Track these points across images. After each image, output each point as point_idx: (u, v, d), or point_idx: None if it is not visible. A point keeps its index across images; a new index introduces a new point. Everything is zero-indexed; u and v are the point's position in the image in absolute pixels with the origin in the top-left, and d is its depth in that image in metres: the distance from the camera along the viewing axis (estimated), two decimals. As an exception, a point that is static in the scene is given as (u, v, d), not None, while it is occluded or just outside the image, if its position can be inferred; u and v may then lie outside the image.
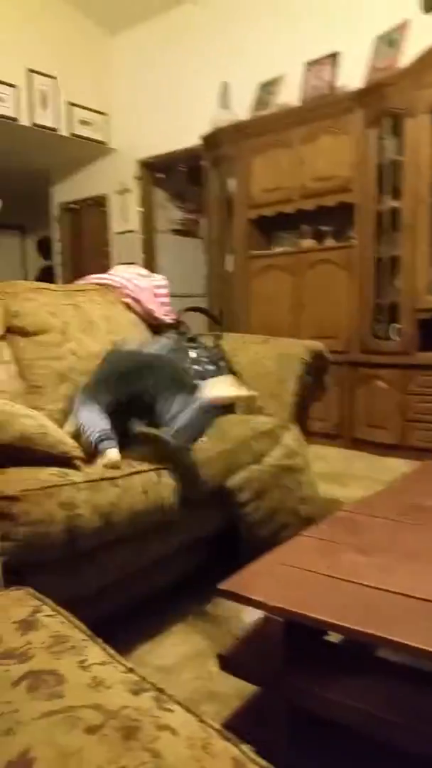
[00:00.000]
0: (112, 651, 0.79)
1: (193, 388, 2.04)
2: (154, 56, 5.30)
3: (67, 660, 0.74)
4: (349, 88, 3.95)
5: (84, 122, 5.39)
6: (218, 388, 2.08)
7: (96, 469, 1.59)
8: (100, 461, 1.65)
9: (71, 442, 1.61)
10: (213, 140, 4.48)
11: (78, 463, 1.58)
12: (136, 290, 2.71)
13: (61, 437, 1.56)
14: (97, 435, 1.73)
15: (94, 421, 1.79)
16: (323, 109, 3.91)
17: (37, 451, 1.47)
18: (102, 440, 1.71)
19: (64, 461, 1.54)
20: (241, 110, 4.52)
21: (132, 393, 1.94)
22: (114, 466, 1.63)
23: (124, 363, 2.08)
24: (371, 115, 3.68)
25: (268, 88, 4.47)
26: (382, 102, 3.60)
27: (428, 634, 0.91)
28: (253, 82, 4.55)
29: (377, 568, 1.14)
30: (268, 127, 4.18)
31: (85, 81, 5.35)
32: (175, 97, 5.17)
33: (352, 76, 3.99)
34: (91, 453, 1.69)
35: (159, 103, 5.30)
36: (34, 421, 1.53)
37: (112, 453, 1.68)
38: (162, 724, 0.63)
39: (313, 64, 4.18)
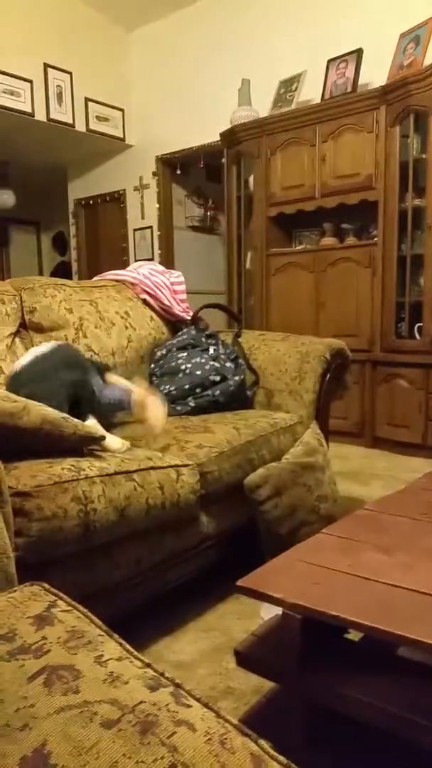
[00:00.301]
0: (128, 646, 0.78)
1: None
2: (171, 52, 5.29)
3: (84, 655, 0.73)
4: (372, 85, 3.91)
5: (101, 118, 5.40)
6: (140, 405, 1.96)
7: (112, 460, 1.58)
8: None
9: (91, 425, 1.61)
10: (233, 137, 4.46)
11: (103, 444, 1.60)
12: (153, 287, 2.70)
13: (80, 421, 1.57)
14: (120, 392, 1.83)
15: None
16: (346, 106, 3.88)
17: (63, 435, 1.47)
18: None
19: (89, 441, 1.55)
20: (262, 107, 4.49)
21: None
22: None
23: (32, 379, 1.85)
24: (395, 113, 3.64)
25: (289, 85, 4.44)
26: (405, 100, 3.55)
27: (452, 635, 0.89)
28: (274, 79, 4.52)
29: (398, 567, 1.12)
30: (290, 124, 4.15)
31: (101, 77, 5.36)
32: (194, 94, 5.17)
33: (375, 74, 3.95)
34: None
35: (177, 99, 5.30)
36: (51, 410, 1.53)
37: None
38: (179, 719, 0.62)
39: (335, 61, 4.14)
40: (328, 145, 3.98)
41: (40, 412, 1.44)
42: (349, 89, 3.96)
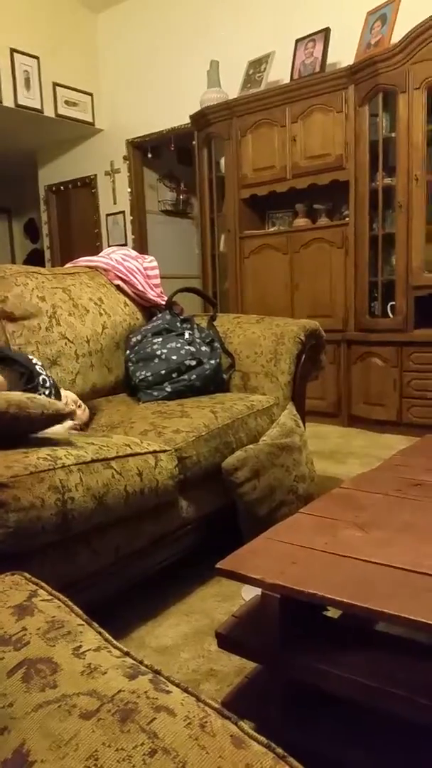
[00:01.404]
0: (107, 635, 0.77)
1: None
2: (139, 34, 5.20)
3: (62, 647, 0.73)
4: (340, 65, 3.89)
5: (70, 102, 5.30)
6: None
7: (90, 447, 1.56)
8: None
9: (59, 401, 1.58)
10: (202, 119, 4.42)
11: (74, 417, 1.58)
12: (126, 272, 2.68)
13: (49, 399, 1.54)
14: None
15: None
16: (314, 86, 3.85)
17: (30, 416, 1.44)
18: None
19: (58, 419, 1.53)
20: (232, 89, 4.44)
21: None
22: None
23: None
24: (363, 92, 3.62)
25: (258, 65, 4.40)
26: (374, 78, 3.54)
27: (426, 607, 0.91)
28: (242, 60, 4.47)
29: (375, 544, 1.14)
30: (259, 106, 4.12)
31: (69, 60, 5.25)
32: (164, 76, 5.09)
33: (343, 53, 3.93)
34: None
35: (147, 82, 5.22)
36: (18, 394, 1.50)
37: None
38: (159, 705, 0.62)
39: (303, 40, 4.11)
40: (298, 126, 3.96)
41: (2, 396, 1.42)
42: (318, 69, 3.94)
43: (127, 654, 0.72)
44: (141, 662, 0.71)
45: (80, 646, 0.72)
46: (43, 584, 0.91)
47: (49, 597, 0.87)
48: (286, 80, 4.14)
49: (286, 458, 2.10)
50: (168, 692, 0.64)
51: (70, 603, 0.86)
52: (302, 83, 3.91)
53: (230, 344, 2.52)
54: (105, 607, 1.53)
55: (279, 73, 4.27)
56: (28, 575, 0.94)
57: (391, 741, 1.06)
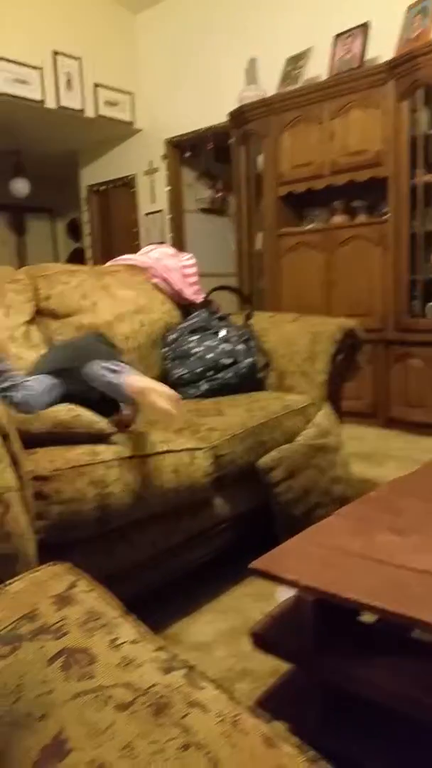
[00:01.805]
0: (144, 628, 0.79)
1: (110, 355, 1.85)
2: (178, 34, 5.22)
3: (99, 638, 0.74)
4: (379, 60, 3.83)
5: (110, 103, 5.35)
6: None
7: (127, 444, 1.58)
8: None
9: (103, 419, 1.60)
10: (240, 117, 4.41)
11: (113, 438, 1.59)
12: (164, 270, 2.70)
13: (93, 416, 1.57)
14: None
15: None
16: (353, 82, 3.81)
17: (75, 433, 1.49)
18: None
19: (101, 438, 1.56)
20: (269, 86, 4.43)
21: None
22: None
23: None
24: (403, 88, 3.57)
25: (295, 62, 4.37)
26: (414, 73, 3.48)
27: (465, 614, 0.89)
28: (281, 57, 4.45)
29: (412, 549, 1.12)
30: (297, 102, 4.09)
31: (110, 61, 5.31)
32: (202, 75, 5.10)
33: (382, 48, 3.87)
34: None
35: (185, 80, 5.24)
36: (63, 407, 1.54)
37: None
38: (192, 701, 0.63)
39: (342, 36, 4.06)
40: (336, 122, 3.92)
41: (50, 415, 1.46)
42: (356, 65, 3.89)
43: (162, 648, 0.73)
44: (176, 657, 0.72)
45: (117, 638, 0.74)
46: (83, 574, 0.93)
47: (89, 588, 0.89)
48: (324, 76, 4.10)
49: (322, 459, 2.08)
50: (201, 688, 0.65)
51: (108, 595, 0.88)
52: (340, 79, 3.87)
53: (266, 343, 2.52)
54: (141, 601, 1.55)
55: (317, 69, 4.23)
56: (69, 565, 0.96)
57: (424, 749, 1.05)
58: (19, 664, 0.70)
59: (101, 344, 1.97)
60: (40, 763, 0.58)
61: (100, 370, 1.63)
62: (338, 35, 4.07)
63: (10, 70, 4.62)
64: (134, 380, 1.58)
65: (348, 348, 2.42)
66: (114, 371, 1.63)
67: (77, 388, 1.68)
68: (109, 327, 2.34)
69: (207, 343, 2.39)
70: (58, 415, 1.49)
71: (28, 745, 0.60)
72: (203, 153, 5.64)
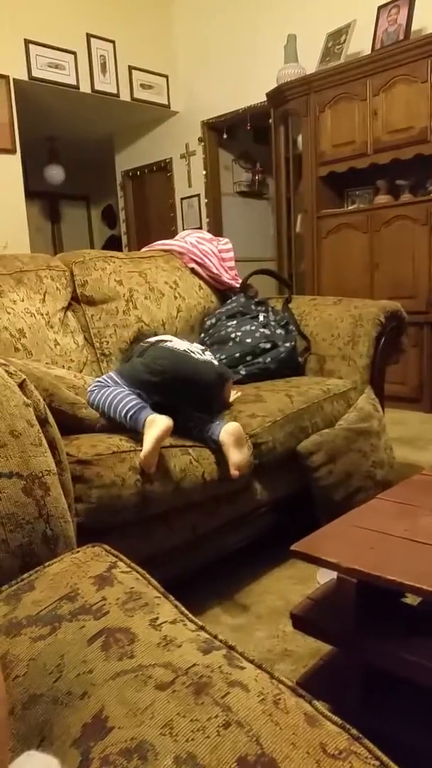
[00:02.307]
0: (183, 609, 0.79)
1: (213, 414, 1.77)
2: (214, 13, 5.14)
3: (140, 617, 0.75)
4: (426, 31, 3.70)
5: (145, 86, 5.32)
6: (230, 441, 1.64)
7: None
8: (149, 433, 1.46)
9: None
10: (279, 96, 4.33)
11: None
12: (201, 255, 2.68)
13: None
14: (131, 405, 1.53)
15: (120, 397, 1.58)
16: (398, 56, 3.69)
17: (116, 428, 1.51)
18: (140, 409, 1.53)
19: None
20: (310, 63, 4.33)
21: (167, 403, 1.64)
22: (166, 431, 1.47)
23: (169, 371, 1.68)
24: (450, 58, 3.44)
25: (337, 37, 4.25)
26: (461, 42, 3.35)
27: None
28: (321, 33, 4.33)
29: (457, 532, 1.10)
30: (338, 79, 3.99)
31: (144, 43, 5.26)
32: (239, 54, 5.02)
33: (429, 18, 3.73)
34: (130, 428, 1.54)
35: (222, 61, 5.17)
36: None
37: (162, 418, 1.49)
38: (233, 680, 0.63)
39: (386, 7, 3.93)
40: (379, 99, 3.81)
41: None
42: (401, 37, 3.76)
43: (202, 628, 0.73)
44: (215, 637, 0.72)
45: (157, 618, 0.74)
46: (121, 556, 0.94)
47: (128, 569, 0.90)
48: (368, 51, 3.98)
49: (364, 443, 2.05)
50: (242, 668, 0.65)
51: (147, 575, 0.88)
52: (384, 53, 3.75)
53: (306, 327, 2.49)
54: (182, 583, 1.56)
55: (360, 44, 4.11)
56: (107, 547, 0.97)
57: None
58: (59, 644, 0.71)
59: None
60: (82, 739, 0.59)
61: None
62: (382, 6, 3.93)
63: (45, 55, 4.62)
64: (230, 428, 1.63)
65: (391, 330, 2.37)
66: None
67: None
68: (146, 312, 2.35)
69: (245, 328, 2.38)
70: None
71: (69, 723, 0.61)
72: (241, 134, 5.58)
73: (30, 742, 0.61)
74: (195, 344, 1.94)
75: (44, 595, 0.82)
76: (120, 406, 1.53)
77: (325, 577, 1.53)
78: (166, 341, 1.90)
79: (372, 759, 0.54)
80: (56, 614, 0.77)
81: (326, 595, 1.18)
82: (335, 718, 0.59)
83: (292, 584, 1.79)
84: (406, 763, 0.57)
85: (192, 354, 1.81)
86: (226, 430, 1.62)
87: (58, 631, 0.73)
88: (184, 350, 1.82)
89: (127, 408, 1.52)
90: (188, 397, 1.69)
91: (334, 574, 1.06)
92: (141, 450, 1.44)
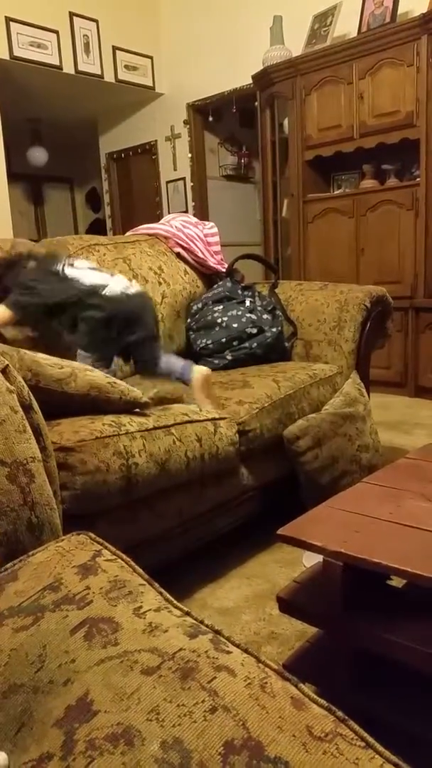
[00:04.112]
0: (168, 596, 0.79)
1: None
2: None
3: (123, 606, 0.74)
4: (413, 14, 3.66)
5: (129, 67, 5.24)
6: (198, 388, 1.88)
7: (151, 416, 1.58)
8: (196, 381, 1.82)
9: (136, 389, 1.61)
10: (265, 78, 4.29)
11: (147, 408, 1.61)
12: (186, 239, 2.66)
13: (127, 386, 1.57)
14: (181, 365, 1.87)
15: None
16: (384, 38, 3.66)
17: (109, 399, 1.49)
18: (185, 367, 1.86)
19: (134, 407, 1.57)
20: (295, 45, 4.28)
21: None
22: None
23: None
24: (437, 41, 3.42)
25: (323, 19, 4.21)
26: (448, 24, 3.33)
27: None
28: (307, 15, 4.29)
29: (442, 515, 1.10)
30: (325, 62, 3.95)
31: (128, 23, 5.16)
32: (225, 35, 4.96)
33: (415, 1, 3.70)
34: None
35: (207, 42, 5.09)
36: (99, 374, 1.55)
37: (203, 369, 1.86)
38: (219, 665, 0.62)
39: (372, -12, 3.89)
40: (365, 82, 3.79)
41: (86, 377, 1.46)
42: (388, 20, 3.73)
43: (187, 614, 0.73)
44: (201, 622, 0.71)
45: (141, 607, 0.74)
46: (106, 544, 0.94)
47: (113, 557, 0.89)
48: (354, 34, 3.95)
49: (349, 428, 2.06)
50: (228, 652, 0.65)
51: (132, 563, 0.88)
52: (370, 36, 3.72)
53: (292, 312, 2.48)
54: (169, 568, 1.57)
55: (346, 26, 4.07)
56: (92, 535, 0.97)
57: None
58: (41, 635, 0.70)
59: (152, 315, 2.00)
60: (64, 720, 0.58)
61: (172, 357, 1.94)
62: (368, -12, 3.90)
63: (26, 33, 4.52)
64: (199, 372, 1.86)
65: (377, 315, 2.37)
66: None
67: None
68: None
69: (232, 313, 2.37)
70: (96, 379, 1.49)
71: (51, 707, 0.61)
72: (227, 117, 5.52)
73: (7, 732, 0.61)
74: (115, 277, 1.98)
75: (27, 585, 0.81)
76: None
77: (311, 560, 1.54)
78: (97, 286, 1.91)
79: (358, 740, 0.54)
80: (39, 604, 0.76)
81: (312, 578, 1.19)
82: (321, 701, 0.59)
83: (278, 568, 1.80)
84: (393, 744, 0.57)
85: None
86: (200, 371, 1.85)
87: (41, 621, 0.73)
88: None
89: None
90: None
91: (319, 558, 1.06)
92: (124, 434, 1.45)
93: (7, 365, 1.09)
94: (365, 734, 0.55)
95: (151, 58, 5.39)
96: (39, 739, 0.58)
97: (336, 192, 4.30)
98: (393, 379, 3.89)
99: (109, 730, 0.56)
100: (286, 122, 4.33)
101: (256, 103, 4.52)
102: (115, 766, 0.52)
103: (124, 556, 0.90)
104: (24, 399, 1.10)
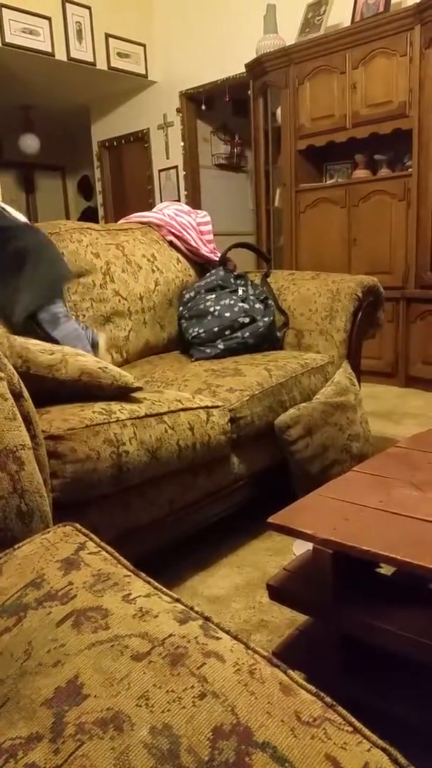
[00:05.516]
0: (156, 584, 0.78)
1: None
2: (195, -21, 5.02)
3: (111, 596, 0.74)
4: (406, 3, 3.65)
5: (122, 54, 5.19)
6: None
7: (143, 403, 1.58)
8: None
9: (129, 374, 1.61)
10: (258, 67, 4.26)
11: (139, 393, 1.60)
12: (179, 228, 2.65)
13: (120, 371, 1.56)
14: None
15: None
16: (377, 28, 3.63)
17: (101, 385, 1.49)
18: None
19: (129, 391, 1.56)
20: (289, 34, 4.25)
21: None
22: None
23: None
24: (430, 34, 3.40)
25: (317, 8, 4.18)
26: (442, 14, 3.31)
27: None
28: (301, 3, 4.25)
29: (430, 502, 1.11)
30: (318, 51, 3.92)
31: (121, 10, 5.11)
32: (218, 23, 4.91)
33: (410, -11, 3.68)
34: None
35: (200, 30, 5.05)
36: (91, 359, 1.54)
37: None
38: (209, 651, 0.63)
39: (366, -24, 3.87)
40: (359, 72, 3.77)
41: (77, 363, 1.45)
42: (381, 9, 3.71)
43: (177, 600, 0.73)
44: (191, 608, 0.71)
45: (129, 594, 0.74)
46: (92, 536, 0.93)
47: (97, 549, 0.88)
48: (348, 23, 3.92)
49: (340, 417, 2.07)
50: (218, 638, 0.65)
51: (117, 555, 0.87)
52: (364, 25, 3.70)
53: (284, 301, 2.48)
54: (160, 557, 1.57)
55: (340, 15, 4.05)
56: (78, 526, 0.96)
57: (442, 698, 1.05)
58: (25, 633, 0.70)
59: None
60: (54, 701, 0.58)
61: (74, 324, 1.97)
62: (361, -23, 3.87)
63: (18, 20, 4.47)
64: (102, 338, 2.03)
65: (368, 305, 2.38)
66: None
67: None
68: (123, 286, 2.31)
69: (224, 302, 2.36)
70: (87, 364, 1.48)
71: (39, 686, 0.60)
72: (220, 106, 5.49)
73: None
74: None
75: (10, 582, 0.80)
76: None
77: (301, 548, 1.55)
78: None
79: (346, 725, 0.54)
80: (21, 603, 0.75)
81: (302, 566, 1.19)
82: (310, 687, 0.59)
83: (268, 556, 1.81)
84: (380, 729, 0.58)
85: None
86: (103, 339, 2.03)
87: (24, 620, 0.72)
88: None
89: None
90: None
91: (309, 546, 1.07)
92: (114, 421, 1.44)
93: (-3, 352, 1.08)
94: (353, 719, 0.55)
95: (144, 45, 5.33)
96: (27, 717, 0.57)
97: (328, 182, 4.28)
98: (384, 369, 3.90)
99: (98, 715, 0.56)
100: (278, 111, 4.31)
101: (249, 92, 4.49)
102: (105, 750, 0.52)
103: (109, 548, 0.89)
104: (14, 386, 1.10)
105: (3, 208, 2.02)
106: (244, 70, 4.48)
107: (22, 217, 2.09)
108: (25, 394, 1.13)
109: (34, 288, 1.88)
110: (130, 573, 0.80)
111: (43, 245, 2.02)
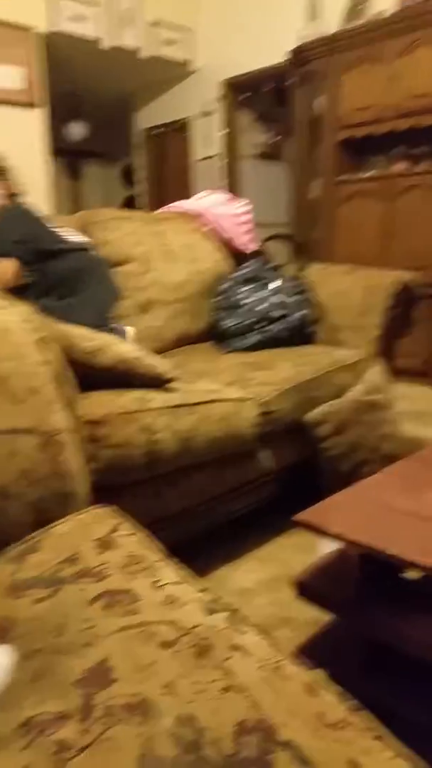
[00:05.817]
0: (185, 572, 0.80)
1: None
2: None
3: (141, 580, 0.76)
4: (454, -11, 3.55)
5: (168, 42, 5.17)
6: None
7: (175, 393, 1.59)
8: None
9: (166, 364, 1.63)
10: (300, 56, 4.20)
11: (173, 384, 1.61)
12: (216, 218, 2.65)
13: (156, 360, 1.58)
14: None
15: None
16: (423, 16, 3.54)
17: (137, 374, 1.51)
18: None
19: (157, 382, 1.58)
20: (332, 22, 4.18)
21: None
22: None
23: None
24: None
25: (362, -6, 4.10)
26: None
27: None
28: (347, -10, 4.18)
29: (462, 508, 1.10)
30: (361, 40, 3.85)
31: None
32: (261, 11, 4.85)
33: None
34: None
35: (243, 17, 4.99)
36: (128, 347, 1.56)
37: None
38: (234, 644, 0.64)
39: (414, -37, 3.77)
40: (401, 62, 3.68)
41: (115, 351, 1.48)
42: (429, -3, 3.62)
43: (205, 590, 0.74)
44: (219, 599, 0.73)
45: (159, 580, 0.75)
46: (126, 519, 0.95)
47: (131, 532, 0.90)
48: (393, 11, 3.84)
49: (371, 416, 2.05)
50: (244, 632, 0.66)
51: (150, 539, 0.89)
52: (409, 14, 3.62)
53: (318, 295, 2.46)
54: (186, 546, 1.58)
55: (385, 3, 3.96)
56: (114, 508, 0.98)
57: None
58: (60, 605, 0.72)
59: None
60: (84, 682, 0.60)
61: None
62: (409, -36, 3.78)
63: (67, 6, 4.50)
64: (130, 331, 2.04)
65: (405, 302, 2.34)
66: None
67: None
68: (161, 275, 2.32)
69: (258, 294, 2.35)
70: (124, 353, 1.51)
71: (71, 665, 0.62)
72: (261, 95, 5.43)
73: (23, 678, 0.62)
74: None
75: (47, 557, 0.83)
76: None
77: (327, 547, 1.54)
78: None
79: (369, 731, 0.55)
80: (58, 577, 0.78)
81: (329, 565, 1.19)
82: (333, 688, 0.60)
83: (293, 553, 1.81)
84: (405, 736, 0.58)
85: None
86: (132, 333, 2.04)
87: (59, 593, 0.74)
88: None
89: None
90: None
91: (335, 545, 1.07)
92: (148, 410, 1.48)
93: (44, 336, 1.10)
94: (377, 725, 0.56)
95: (188, 33, 5.30)
96: (57, 695, 0.59)
97: (367, 174, 4.21)
98: (418, 368, 3.84)
99: (126, 700, 0.57)
100: (319, 101, 4.25)
101: (291, 81, 4.43)
102: (131, 735, 0.54)
103: (143, 532, 0.92)
104: (59, 370, 1.12)
105: (60, 233, 2.09)
106: (285, 58, 4.43)
107: (78, 238, 2.15)
108: (69, 378, 1.16)
109: (87, 310, 1.94)
110: (161, 558, 0.82)
111: (96, 266, 2.10)
